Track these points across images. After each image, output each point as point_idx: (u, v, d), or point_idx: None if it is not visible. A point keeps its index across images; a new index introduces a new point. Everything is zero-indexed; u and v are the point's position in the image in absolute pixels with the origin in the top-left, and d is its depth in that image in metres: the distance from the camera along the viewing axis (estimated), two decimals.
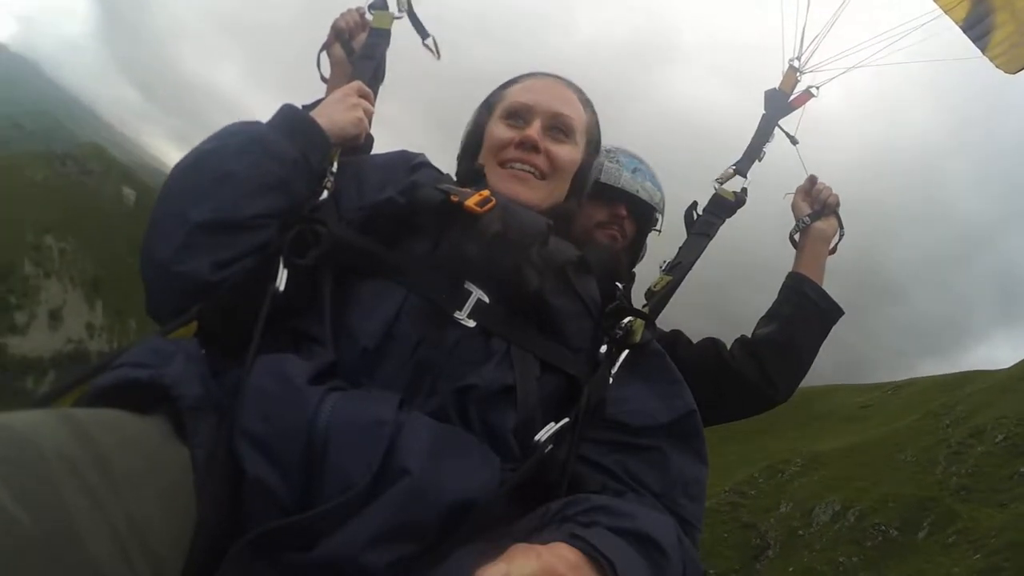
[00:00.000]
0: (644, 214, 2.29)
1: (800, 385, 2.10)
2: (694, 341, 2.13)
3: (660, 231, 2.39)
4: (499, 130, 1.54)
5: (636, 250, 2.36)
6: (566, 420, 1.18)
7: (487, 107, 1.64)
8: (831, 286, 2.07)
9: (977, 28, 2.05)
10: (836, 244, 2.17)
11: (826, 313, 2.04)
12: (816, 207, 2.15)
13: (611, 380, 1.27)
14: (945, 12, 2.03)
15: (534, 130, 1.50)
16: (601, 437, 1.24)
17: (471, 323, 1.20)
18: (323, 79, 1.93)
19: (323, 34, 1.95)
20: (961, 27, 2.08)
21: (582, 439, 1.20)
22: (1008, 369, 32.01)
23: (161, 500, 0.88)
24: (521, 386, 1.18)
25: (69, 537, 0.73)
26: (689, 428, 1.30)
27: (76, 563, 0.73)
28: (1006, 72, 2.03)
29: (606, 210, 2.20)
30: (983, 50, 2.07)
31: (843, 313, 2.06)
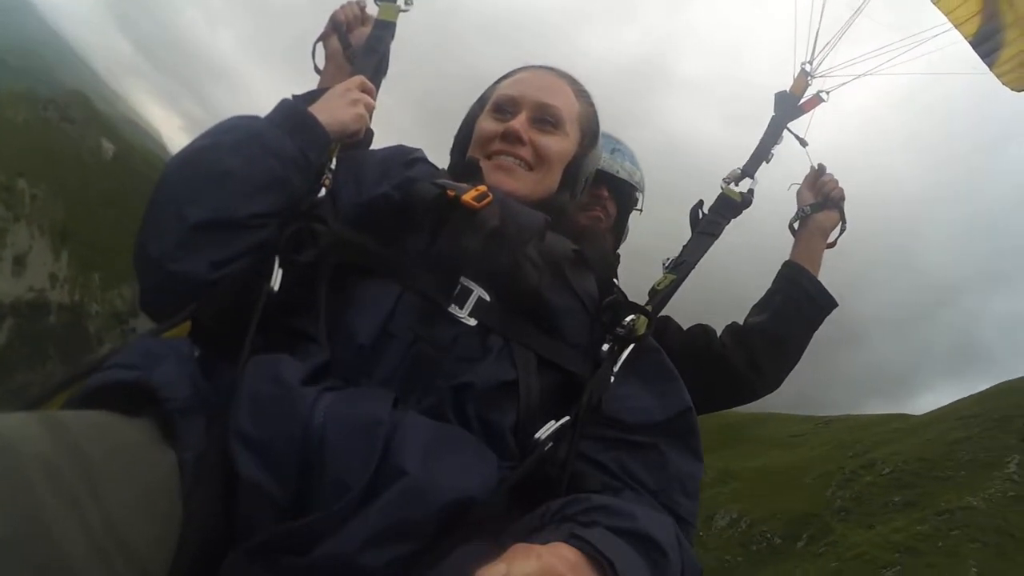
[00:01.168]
0: (625, 194, 2.29)
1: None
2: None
3: (641, 210, 2.39)
4: (486, 123, 1.54)
5: (620, 231, 2.35)
6: (566, 419, 1.17)
7: (480, 102, 1.64)
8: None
9: (986, 44, 2.10)
10: (837, 238, 2.16)
11: (819, 305, 2.03)
12: (819, 198, 2.15)
13: (612, 379, 1.26)
14: (956, 27, 2.08)
15: (518, 122, 1.49)
16: (598, 434, 1.23)
17: (472, 321, 1.20)
18: (316, 70, 1.85)
19: (325, 18, 1.88)
20: (971, 42, 2.13)
21: (581, 437, 1.19)
22: (921, 416, 34.71)
23: (143, 502, 0.86)
24: (524, 383, 1.18)
25: (41, 537, 0.73)
26: (686, 426, 1.30)
27: (49, 562, 0.73)
28: (1013, 89, 2.10)
29: (588, 192, 2.10)
30: (991, 66, 2.13)
31: (837, 305, 2.05)
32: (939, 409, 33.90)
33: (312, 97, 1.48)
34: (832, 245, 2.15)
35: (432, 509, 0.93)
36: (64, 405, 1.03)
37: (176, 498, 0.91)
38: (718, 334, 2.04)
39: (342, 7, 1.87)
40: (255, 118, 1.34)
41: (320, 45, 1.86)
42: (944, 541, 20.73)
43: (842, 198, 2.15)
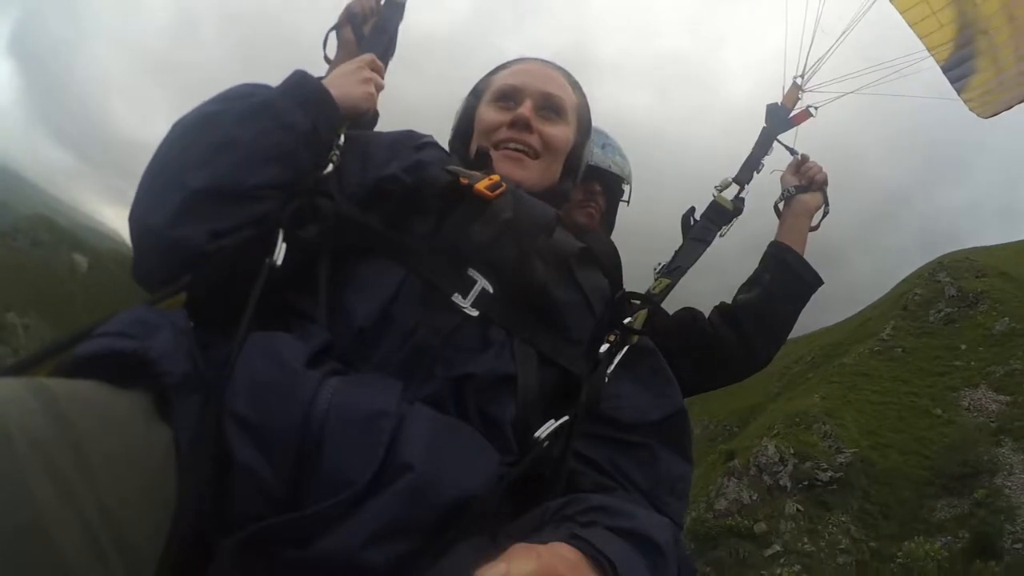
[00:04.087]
0: (615, 186, 2.33)
1: None
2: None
3: (628, 202, 2.43)
4: (490, 113, 1.53)
5: (610, 223, 2.39)
6: (565, 418, 1.18)
7: (475, 94, 1.62)
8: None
9: (957, 70, 2.23)
10: (820, 221, 2.19)
11: (806, 282, 2.07)
12: (804, 181, 2.18)
13: (607, 378, 1.28)
14: (930, 51, 2.20)
15: (526, 108, 1.49)
16: (592, 431, 1.24)
17: (474, 312, 1.19)
18: (327, 59, 1.86)
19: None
20: (942, 67, 2.25)
21: (577, 435, 1.20)
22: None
23: (140, 487, 0.82)
24: (522, 378, 1.18)
25: (34, 531, 0.68)
26: (679, 427, 1.32)
27: (41, 559, 0.68)
28: (979, 115, 2.25)
29: (582, 189, 2.19)
30: (959, 91, 2.27)
31: (823, 283, 2.09)
32: None
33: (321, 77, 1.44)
34: (816, 228, 2.18)
35: (436, 506, 0.92)
36: (51, 374, 0.95)
37: (171, 480, 0.87)
38: (707, 316, 2.07)
39: None
40: (266, 86, 1.28)
41: (333, 35, 1.85)
42: None
43: (825, 181, 2.18)
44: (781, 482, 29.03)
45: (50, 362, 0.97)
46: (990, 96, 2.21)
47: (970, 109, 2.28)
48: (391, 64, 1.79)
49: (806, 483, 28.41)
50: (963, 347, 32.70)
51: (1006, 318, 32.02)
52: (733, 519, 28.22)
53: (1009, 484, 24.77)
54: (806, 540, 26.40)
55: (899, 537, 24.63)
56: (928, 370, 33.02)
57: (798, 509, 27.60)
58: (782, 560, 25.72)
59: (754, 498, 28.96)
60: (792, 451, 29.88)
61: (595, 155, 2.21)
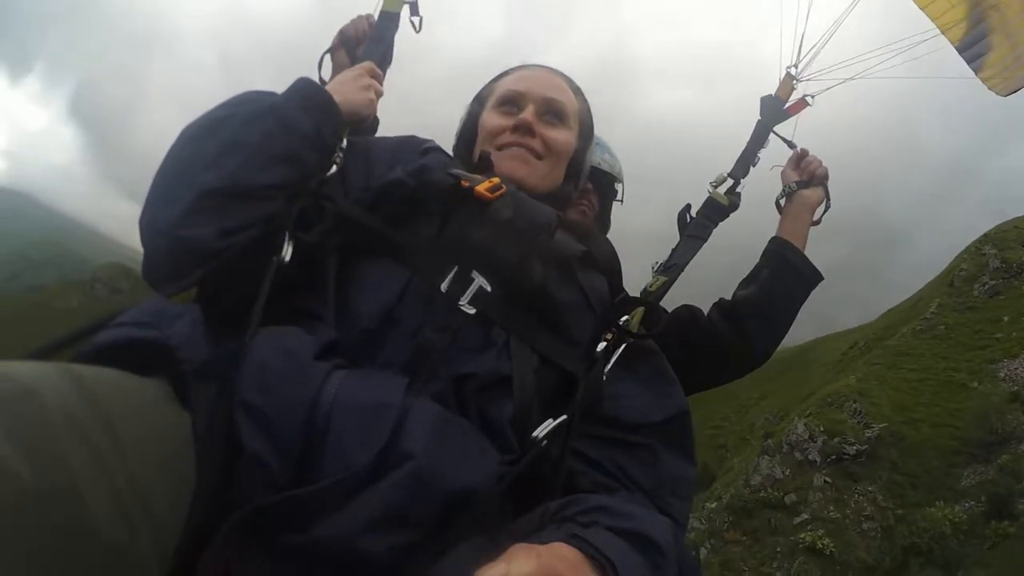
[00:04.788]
0: (607, 184, 2.28)
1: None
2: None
3: (622, 201, 2.38)
4: (493, 118, 1.54)
5: (604, 223, 2.34)
6: (564, 418, 1.17)
7: (479, 100, 1.64)
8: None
9: (972, 49, 2.09)
10: (821, 215, 2.15)
11: (805, 278, 2.03)
12: (804, 177, 2.13)
13: (604, 377, 1.28)
14: (942, 32, 2.06)
15: (528, 113, 1.50)
16: (594, 432, 1.24)
17: (471, 310, 1.19)
18: (322, 81, 1.81)
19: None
20: (957, 47, 2.11)
21: (577, 435, 1.20)
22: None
23: (164, 465, 0.84)
24: (517, 378, 1.17)
25: (70, 495, 0.70)
26: (681, 428, 1.31)
27: (74, 522, 0.70)
28: (998, 94, 2.09)
29: None
30: (976, 71, 2.12)
31: (822, 279, 2.05)
32: None
33: (323, 85, 1.47)
34: (817, 223, 2.14)
35: (436, 497, 0.92)
36: (70, 362, 0.95)
37: (190, 462, 0.89)
38: (705, 312, 2.04)
39: (352, 21, 1.91)
40: (271, 93, 1.32)
41: (328, 57, 1.88)
42: None
43: (826, 176, 2.14)
44: (811, 457, 30.27)
45: (69, 351, 0.99)
46: (1008, 72, 2.07)
47: (989, 88, 2.14)
48: (388, 73, 1.82)
49: (834, 457, 29.57)
50: (1006, 319, 32.26)
51: None
52: (766, 492, 30.02)
53: None
54: (832, 508, 27.78)
55: (925, 504, 25.69)
56: (969, 344, 32.90)
57: (826, 481, 29.03)
58: (809, 527, 27.28)
59: (786, 473, 30.50)
60: (822, 428, 30.91)
61: None
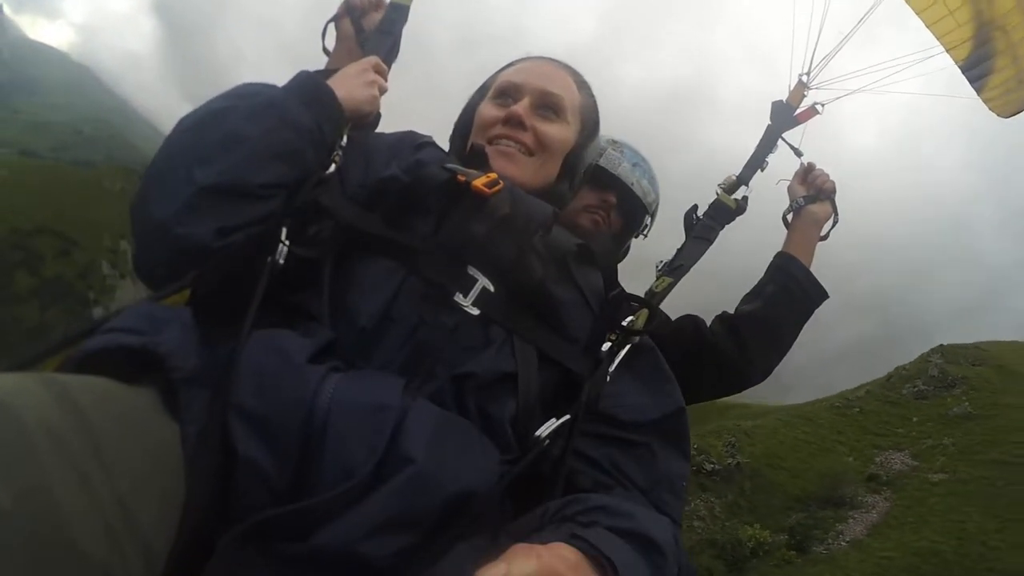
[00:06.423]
0: (633, 210, 2.22)
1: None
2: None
3: (646, 236, 2.33)
4: (488, 109, 1.52)
5: (620, 246, 2.28)
6: (567, 417, 1.17)
7: (481, 91, 1.62)
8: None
9: (976, 69, 2.15)
10: (829, 230, 2.14)
11: (811, 295, 2.01)
12: (812, 191, 2.13)
13: (608, 377, 1.26)
14: (948, 51, 2.12)
15: (520, 106, 1.47)
16: (591, 430, 1.23)
17: (475, 311, 1.18)
18: (325, 51, 1.82)
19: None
20: (961, 67, 2.18)
21: (577, 435, 1.19)
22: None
23: (151, 479, 0.82)
24: (523, 376, 1.17)
25: (53, 521, 0.67)
26: (677, 426, 1.30)
27: (59, 549, 0.67)
28: (999, 115, 2.16)
29: (597, 195, 2.12)
30: (979, 91, 2.19)
31: (828, 296, 2.02)
32: None
33: (326, 74, 1.44)
34: (825, 238, 2.13)
35: (437, 499, 0.92)
36: (57, 369, 0.95)
37: (179, 474, 0.87)
38: (708, 324, 2.01)
39: None
40: (272, 86, 1.30)
41: (332, 26, 1.81)
42: None
43: (834, 190, 2.13)
44: None
45: (57, 358, 0.97)
46: (1011, 95, 2.15)
47: (990, 109, 2.21)
48: (393, 67, 1.76)
49: (694, 468, 31.11)
50: (914, 419, 33.89)
51: (967, 403, 33.08)
52: None
53: (853, 517, 27.00)
54: None
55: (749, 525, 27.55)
56: (869, 429, 34.66)
57: None
58: None
59: None
60: (695, 445, 31.98)
61: (622, 167, 2.16)
